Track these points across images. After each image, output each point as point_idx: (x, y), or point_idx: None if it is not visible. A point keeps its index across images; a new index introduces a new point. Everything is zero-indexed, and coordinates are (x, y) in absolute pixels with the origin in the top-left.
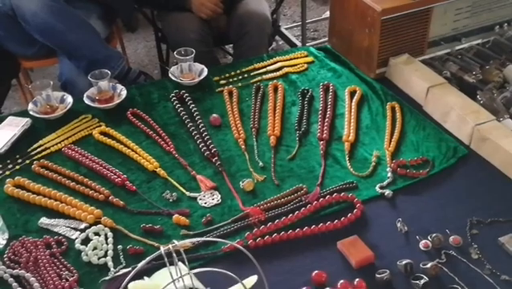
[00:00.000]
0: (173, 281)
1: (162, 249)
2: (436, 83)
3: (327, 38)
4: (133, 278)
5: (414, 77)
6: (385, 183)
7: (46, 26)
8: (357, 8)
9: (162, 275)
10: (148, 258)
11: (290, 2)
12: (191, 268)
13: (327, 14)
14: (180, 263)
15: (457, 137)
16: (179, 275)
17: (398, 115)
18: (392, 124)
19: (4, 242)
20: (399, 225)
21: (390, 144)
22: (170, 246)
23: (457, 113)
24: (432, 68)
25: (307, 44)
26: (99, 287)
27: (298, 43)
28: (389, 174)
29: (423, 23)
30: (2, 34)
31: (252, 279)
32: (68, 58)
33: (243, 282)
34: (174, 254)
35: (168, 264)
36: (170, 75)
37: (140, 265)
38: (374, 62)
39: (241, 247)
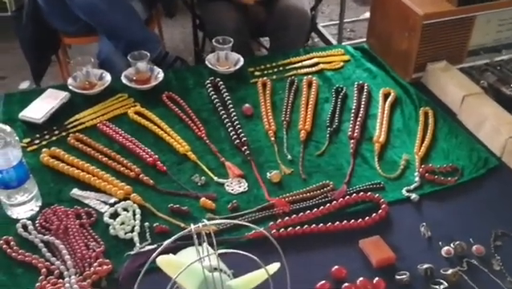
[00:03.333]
0: (200, 259)
1: (192, 227)
2: (472, 93)
3: (363, 39)
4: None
5: (450, 84)
6: (412, 187)
7: (89, 5)
8: (398, 10)
9: (188, 254)
10: (178, 235)
11: (329, 0)
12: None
13: (366, 15)
14: (205, 244)
15: (489, 148)
16: (205, 254)
17: (431, 120)
18: (423, 129)
19: (37, 208)
20: (422, 229)
21: (420, 148)
22: (200, 225)
23: (491, 124)
24: (470, 77)
25: (343, 43)
26: (124, 260)
27: (334, 42)
28: (417, 179)
29: (464, 31)
30: (47, 10)
31: (275, 266)
32: (108, 37)
33: (266, 268)
34: (203, 234)
35: (196, 242)
36: (206, 62)
37: (169, 240)
38: (411, 66)
39: (268, 234)
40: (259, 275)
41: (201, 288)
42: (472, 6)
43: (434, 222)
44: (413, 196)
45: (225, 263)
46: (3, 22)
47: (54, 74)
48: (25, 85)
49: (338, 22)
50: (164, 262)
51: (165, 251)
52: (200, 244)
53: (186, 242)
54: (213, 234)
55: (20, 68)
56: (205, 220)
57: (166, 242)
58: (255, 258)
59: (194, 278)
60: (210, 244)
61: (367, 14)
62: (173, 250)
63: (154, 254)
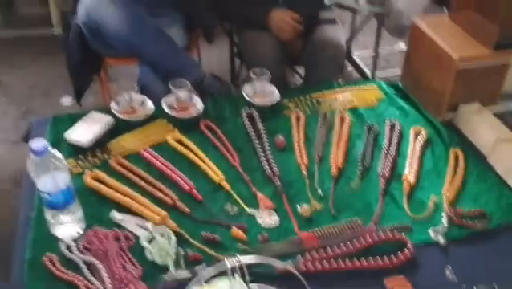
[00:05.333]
0: None
1: (227, 262)
2: (504, 137)
3: (397, 69)
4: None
5: (482, 127)
6: (439, 229)
7: (126, 40)
8: (433, 52)
9: (221, 284)
10: (213, 268)
11: (365, 29)
12: (244, 283)
13: (401, 45)
14: (236, 275)
15: None
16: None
17: (461, 162)
18: (453, 171)
19: (81, 231)
20: (447, 272)
21: (449, 190)
22: (234, 260)
23: None
24: (503, 122)
25: (377, 72)
26: (158, 284)
27: (368, 72)
28: (444, 221)
29: (498, 75)
30: (89, 39)
31: None
32: (146, 65)
33: None
34: (237, 269)
35: (230, 276)
36: (243, 92)
37: (204, 272)
38: (443, 106)
39: (294, 271)
40: None
41: None
42: (508, 51)
43: (459, 266)
44: (440, 238)
45: None
46: (49, 38)
47: (93, 90)
48: (66, 99)
49: (373, 51)
50: None
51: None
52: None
53: (220, 270)
54: (245, 270)
55: (62, 83)
56: (237, 255)
57: (201, 274)
58: None
59: None
60: (241, 275)
61: (403, 45)
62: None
63: (190, 284)
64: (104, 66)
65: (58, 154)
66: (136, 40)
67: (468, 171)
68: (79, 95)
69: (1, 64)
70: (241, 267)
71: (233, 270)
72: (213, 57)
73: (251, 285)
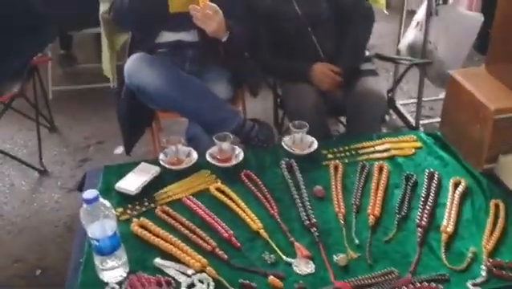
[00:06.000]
0: None
1: None
2: None
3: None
4: None
5: None
6: (478, 281)
7: (168, 100)
8: (470, 103)
9: None
10: None
11: (408, 77)
12: None
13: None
14: None
15: None
16: None
17: (502, 213)
18: (493, 222)
19: (125, 274)
20: None
21: (489, 241)
22: None
23: None
24: None
25: (421, 122)
26: None
27: (412, 120)
28: (484, 273)
29: None
30: (135, 92)
31: None
32: (187, 118)
33: None
34: None
35: None
36: (283, 143)
37: None
38: (483, 156)
39: None
40: None
41: None
42: None
43: None
44: None
45: None
46: (106, 91)
47: (145, 142)
48: (119, 150)
49: (416, 100)
50: None
51: None
52: None
53: None
54: None
55: (117, 134)
56: None
57: None
58: None
59: None
60: None
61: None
62: None
63: None
64: (156, 118)
65: (107, 203)
66: (177, 99)
67: (509, 222)
68: (129, 146)
69: (61, 117)
70: None
71: None
72: (258, 109)
73: None
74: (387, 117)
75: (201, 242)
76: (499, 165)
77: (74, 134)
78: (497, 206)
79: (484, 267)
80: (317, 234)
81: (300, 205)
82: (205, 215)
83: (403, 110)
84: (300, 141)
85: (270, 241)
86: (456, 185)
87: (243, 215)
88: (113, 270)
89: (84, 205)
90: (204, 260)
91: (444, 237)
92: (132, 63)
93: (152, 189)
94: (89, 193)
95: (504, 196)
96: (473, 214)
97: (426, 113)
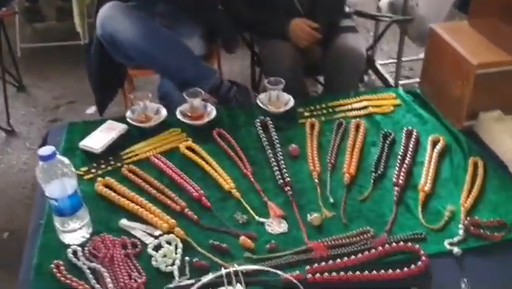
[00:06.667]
0: None
1: (223, 270)
2: None
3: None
4: None
5: (503, 135)
6: (455, 240)
7: (141, 51)
8: (452, 58)
9: None
10: (209, 277)
11: (389, 38)
12: None
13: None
14: (239, 285)
15: None
16: None
17: (480, 171)
18: (472, 180)
19: (88, 235)
20: (463, 285)
21: (467, 200)
22: (231, 268)
23: None
24: None
25: (400, 82)
26: None
27: (391, 80)
28: (461, 231)
29: None
30: (109, 50)
31: None
32: (162, 76)
33: None
34: (233, 277)
35: (226, 285)
36: (258, 101)
37: (202, 281)
38: (463, 113)
39: (296, 281)
40: None
41: None
42: None
43: (476, 279)
44: (456, 249)
45: None
46: (77, 49)
47: (119, 102)
48: (91, 110)
49: (396, 60)
50: None
51: (202, 287)
52: (232, 283)
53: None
54: (241, 278)
55: (88, 94)
56: (235, 264)
57: (199, 283)
58: None
59: None
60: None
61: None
62: (211, 286)
63: None
64: (129, 77)
65: (66, 160)
66: (150, 50)
67: (487, 180)
68: (102, 107)
69: (30, 76)
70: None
71: (234, 278)
72: (235, 66)
73: None
74: (366, 77)
75: (169, 202)
76: (479, 122)
77: (43, 93)
78: (475, 164)
79: (461, 226)
80: (291, 193)
81: (274, 164)
82: (174, 174)
83: (382, 70)
84: (276, 99)
85: (243, 201)
86: (434, 143)
87: (215, 175)
88: (75, 231)
89: (40, 163)
90: (172, 221)
91: (421, 195)
92: (107, 9)
93: (119, 148)
94: (45, 150)
95: (483, 153)
96: (451, 172)
97: (406, 73)
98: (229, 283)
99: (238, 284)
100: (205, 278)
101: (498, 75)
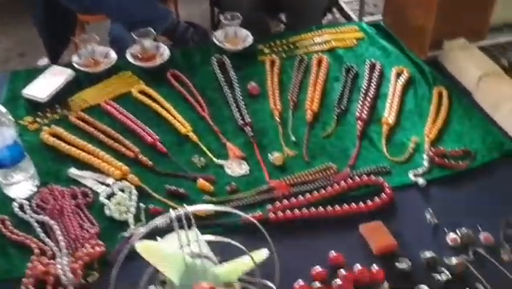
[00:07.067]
0: (181, 247)
1: (172, 212)
2: (490, 72)
3: None
4: (147, 237)
5: (468, 63)
6: (420, 171)
7: None
8: None
9: (173, 238)
10: (155, 220)
11: None
12: (209, 234)
13: None
14: (194, 229)
15: (506, 132)
16: (187, 241)
17: (445, 101)
18: (436, 110)
19: (35, 188)
20: (428, 216)
21: (431, 130)
22: (181, 210)
23: (509, 106)
24: (490, 56)
25: (364, 19)
26: (117, 242)
27: (355, 17)
28: (426, 162)
29: (485, 6)
30: None
31: (262, 253)
32: (115, 20)
33: (252, 254)
34: (184, 219)
35: (177, 228)
36: (214, 39)
37: (145, 228)
38: (426, 43)
39: (254, 220)
40: (247, 262)
41: (183, 276)
42: None
43: (441, 209)
44: (420, 180)
45: (217, 249)
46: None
47: (73, 51)
48: (44, 62)
49: None
50: (143, 248)
51: (153, 233)
52: (185, 228)
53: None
54: (193, 220)
55: (40, 45)
56: (185, 205)
57: (145, 229)
58: (237, 244)
59: (176, 266)
60: (201, 227)
61: None
62: (163, 232)
63: (130, 241)
64: (80, 24)
65: (3, 108)
66: None
67: (452, 110)
68: (54, 57)
69: None
70: (200, 219)
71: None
72: (194, 8)
73: (206, 236)
74: (329, 15)
75: (123, 149)
76: (444, 51)
77: None
78: (440, 94)
79: (426, 157)
80: (251, 133)
81: (233, 104)
82: (126, 120)
83: (346, 8)
84: (234, 36)
85: (200, 143)
86: (398, 75)
87: (170, 118)
88: (19, 184)
89: None
90: (125, 168)
91: (385, 128)
92: None
93: (66, 95)
94: None
95: (448, 83)
96: (415, 104)
97: (370, 10)
98: (183, 227)
99: (194, 228)
100: (155, 222)
101: (461, 1)
